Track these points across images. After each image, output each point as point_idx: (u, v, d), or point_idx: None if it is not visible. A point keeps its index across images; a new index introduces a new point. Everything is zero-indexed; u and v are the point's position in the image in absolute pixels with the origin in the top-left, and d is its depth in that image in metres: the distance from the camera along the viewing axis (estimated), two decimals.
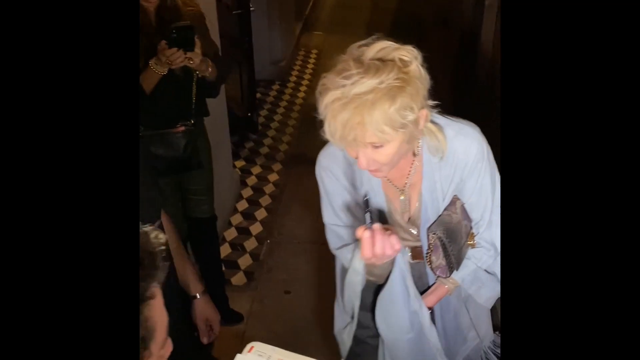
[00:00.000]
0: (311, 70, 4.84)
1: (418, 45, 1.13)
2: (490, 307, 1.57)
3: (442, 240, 1.35)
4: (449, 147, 1.30)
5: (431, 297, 1.46)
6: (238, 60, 3.53)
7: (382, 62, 1.07)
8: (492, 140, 1.38)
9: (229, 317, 2.49)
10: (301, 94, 4.49)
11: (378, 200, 1.37)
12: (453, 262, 1.38)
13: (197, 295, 1.53)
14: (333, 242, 1.44)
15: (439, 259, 1.38)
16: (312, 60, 5.00)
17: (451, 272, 1.40)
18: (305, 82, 4.65)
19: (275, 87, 4.54)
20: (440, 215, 1.37)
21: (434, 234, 1.36)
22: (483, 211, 1.39)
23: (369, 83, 1.05)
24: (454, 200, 1.37)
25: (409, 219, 1.41)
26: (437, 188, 1.36)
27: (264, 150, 3.83)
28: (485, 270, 1.46)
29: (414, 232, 1.43)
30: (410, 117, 1.09)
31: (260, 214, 3.26)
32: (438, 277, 1.44)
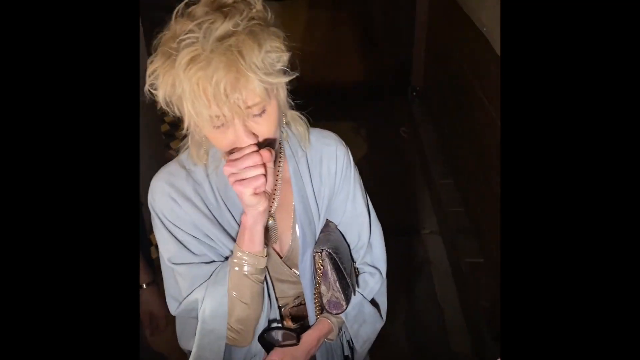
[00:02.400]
0: None
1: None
2: (364, 356, 1.27)
3: (332, 259, 1.05)
4: (313, 154, 1.08)
5: (312, 333, 1.13)
6: None
7: (226, 7, 0.83)
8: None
9: None
10: None
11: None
12: (350, 286, 1.08)
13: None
14: (186, 285, 1.03)
15: (330, 289, 1.07)
16: None
17: (348, 302, 1.09)
18: None
19: None
20: (317, 238, 1.10)
21: (321, 251, 1.05)
22: (360, 230, 1.15)
23: (224, 27, 0.80)
24: (327, 222, 1.12)
25: (284, 255, 1.10)
26: (310, 206, 1.08)
27: None
28: (371, 302, 1.20)
29: (295, 271, 1.10)
30: (283, 61, 0.85)
31: None
32: (326, 313, 1.14)
